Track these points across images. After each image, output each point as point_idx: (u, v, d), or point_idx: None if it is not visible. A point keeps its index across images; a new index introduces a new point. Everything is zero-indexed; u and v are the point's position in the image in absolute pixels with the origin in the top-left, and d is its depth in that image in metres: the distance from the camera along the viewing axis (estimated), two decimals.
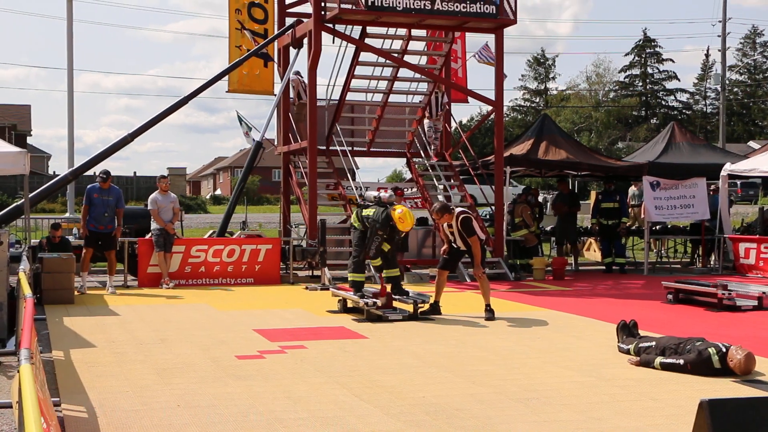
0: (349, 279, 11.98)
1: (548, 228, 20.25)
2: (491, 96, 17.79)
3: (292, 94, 18.59)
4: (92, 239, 14.40)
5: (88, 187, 14.68)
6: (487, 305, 11.31)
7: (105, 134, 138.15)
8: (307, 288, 14.88)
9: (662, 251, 21.20)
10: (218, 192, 78.36)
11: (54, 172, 55.46)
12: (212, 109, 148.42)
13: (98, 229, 14.38)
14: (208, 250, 15.54)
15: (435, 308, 11.49)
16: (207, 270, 15.45)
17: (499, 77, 17.56)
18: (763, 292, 12.43)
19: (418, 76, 18.37)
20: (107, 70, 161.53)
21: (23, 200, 13.99)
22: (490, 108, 18.12)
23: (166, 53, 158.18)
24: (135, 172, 56.30)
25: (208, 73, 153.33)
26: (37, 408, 3.06)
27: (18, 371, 3.96)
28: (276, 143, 19.42)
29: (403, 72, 18.04)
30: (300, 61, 18.25)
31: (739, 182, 40.08)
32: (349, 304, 11.73)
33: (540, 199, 21.05)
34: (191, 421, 6.12)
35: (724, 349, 7.69)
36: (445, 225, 11.59)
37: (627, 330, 9.09)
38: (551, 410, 6.50)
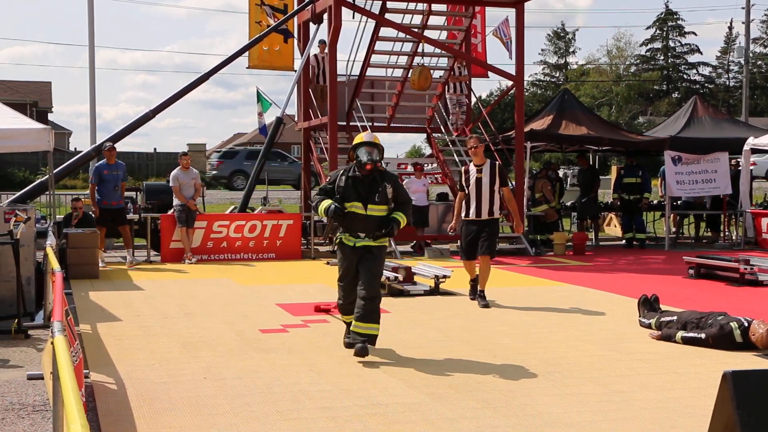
0: None
1: (569, 203, 20.22)
2: (511, 71, 17.73)
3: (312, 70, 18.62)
4: (104, 217, 14.57)
5: (96, 164, 14.83)
6: (482, 291, 10.40)
7: (123, 110, 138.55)
8: (328, 263, 14.96)
9: (674, 227, 21.04)
10: None
11: (75, 149, 55.86)
12: (230, 85, 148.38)
13: (111, 205, 14.55)
14: (230, 225, 15.66)
15: (474, 290, 10.52)
16: (229, 245, 15.57)
17: (520, 52, 17.48)
18: None
19: (438, 51, 18.32)
20: (124, 46, 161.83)
21: (47, 176, 14.17)
22: (509, 83, 18.06)
23: (182, 29, 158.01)
24: (155, 149, 56.58)
25: (225, 49, 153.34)
26: (74, 378, 3.15)
27: (52, 343, 4.05)
28: (296, 119, 19.46)
29: (424, 47, 17.98)
30: (320, 36, 18.27)
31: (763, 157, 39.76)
32: None
33: (560, 174, 21.00)
34: (218, 393, 6.22)
35: (746, 324, 7.70)
36: (473, 168, 10.43)
37: (648, 304, 9.12)
38: (573, 383, 6.55)
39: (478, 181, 10.27)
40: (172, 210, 15.38)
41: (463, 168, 10.66)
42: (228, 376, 6.72)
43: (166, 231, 15.31)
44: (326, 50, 17.93)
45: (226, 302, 10.64)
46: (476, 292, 10.45)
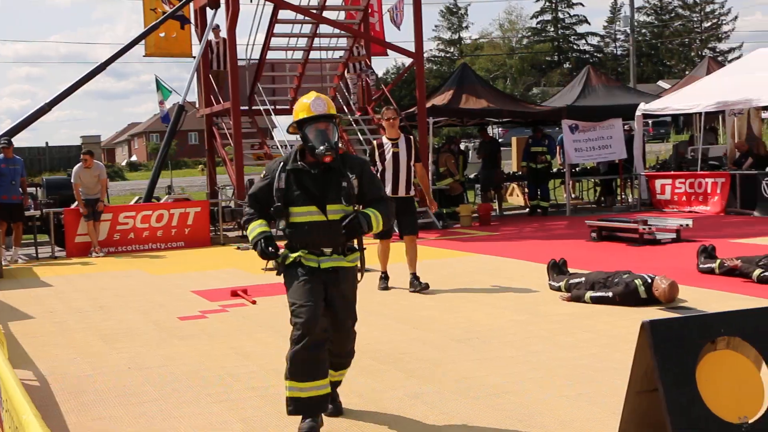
0: None
1: (472, 176, 20.64)
2: (410, 48, 17.93)
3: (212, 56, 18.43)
4: (2, 212, 14.26)
5: None
6: (414, 274, 9.72)
7: (7, 105, 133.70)
8: (238, 248, 14.93)
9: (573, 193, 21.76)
10: (134, 158, 76.98)
11: None
12: (120, 74, 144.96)
13: (11, 199, 14.31)
14: (137, 216, 15.42)
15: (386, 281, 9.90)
16: (136, 236, 15.34)
17: (419, 29, 17.67)
18: (681, 225, 13.02)
19: (337, 31, 18.36)
20: (4, 37, 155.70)
21: None
22: (408, 60, 18.25)
23: (66, 18, 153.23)
24: (47, 143, 54.86)
25: (112, 37, 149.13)
26: (14, 372, 3.15)
27: None
28: (197, 106, 19.24)
29: (323, 28, 18.01)
30: (217, 21, 18.08)
31: (650, 121, 41.28)
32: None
33: (462, 147, 21.40)
34: (144, 381, 6.22)
35: (649, 280, 8.11)
36: (388, 141, 9.62)
37: (557, 268, 9.47)
38: (492, 348, 6.79)
39: (395, 156, 9.52)
40: (75, 204, 15.05)
41: (375, 141, 9.77)
42: (152, 365, 6.71)
43: (70, 225, 14.97)
44: (221, 35, 17.81)
45: (140, 293, 10.54)
46: (387, 283, 9.86)
